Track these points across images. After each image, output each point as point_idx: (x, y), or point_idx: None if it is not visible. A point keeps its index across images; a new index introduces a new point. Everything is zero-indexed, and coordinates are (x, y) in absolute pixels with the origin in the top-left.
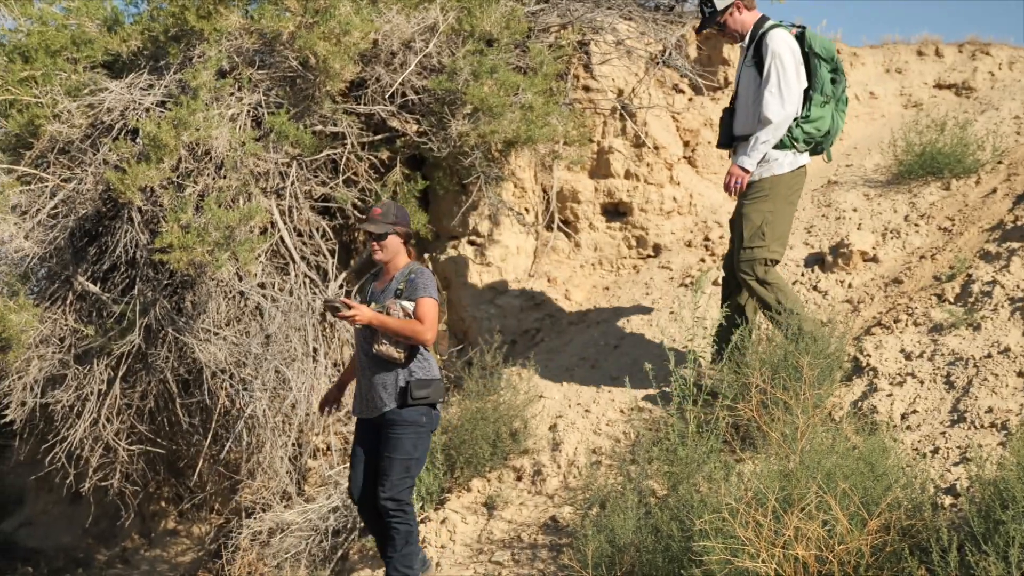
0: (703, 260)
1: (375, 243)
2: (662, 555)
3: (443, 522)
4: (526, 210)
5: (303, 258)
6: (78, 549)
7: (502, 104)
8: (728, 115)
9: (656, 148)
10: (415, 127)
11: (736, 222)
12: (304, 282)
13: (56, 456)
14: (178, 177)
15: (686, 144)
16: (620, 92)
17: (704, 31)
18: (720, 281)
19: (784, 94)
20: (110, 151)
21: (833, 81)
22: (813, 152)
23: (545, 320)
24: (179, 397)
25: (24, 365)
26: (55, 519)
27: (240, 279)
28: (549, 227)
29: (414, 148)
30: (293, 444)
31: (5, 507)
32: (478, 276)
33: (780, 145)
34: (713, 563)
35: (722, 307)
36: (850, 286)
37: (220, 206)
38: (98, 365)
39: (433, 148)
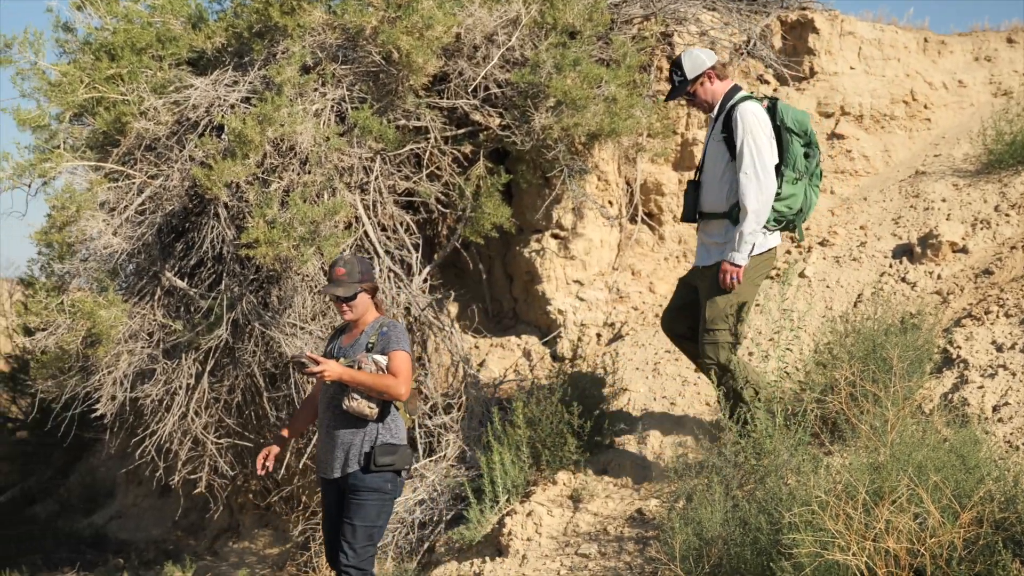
0: (789, 252)
1: (344, 305)
2: (750, 548)
3: (529, 515)
4: (610, 203)
5: (387, 252)
6: (167, 541)
7: (585, 97)
8: (693, 188)
9: None
10: (498, 121)
11: (701, 301)
12: (388, 276)
13: (146, 450)
14: (263, 173)
15: None
16: None
17: (672, 100)
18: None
19: (760, 176)
20: (196, 147)
21: (807, 156)
22: (784, 229)
23: (630, 313)
24: (266, 391)
25: (114, 360)
26: (145, 512)
27: (325, 274)
28: (633, 220)
29: (497, 142)
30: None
31: (96, 500)
32: (562, 270)
33: None
34: (803, 556)
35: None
36: (939, 277)
37: (305, 201)
38: (186, 359)
39: (516, 141)
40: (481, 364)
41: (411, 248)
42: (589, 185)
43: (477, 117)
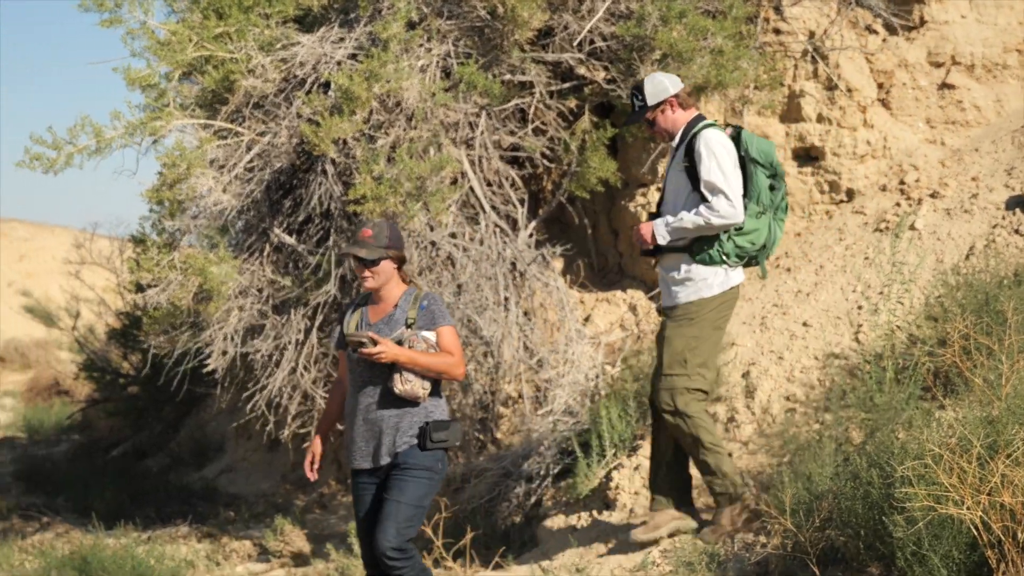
0: (898, 204)
1: (365, 270)
2: (861, 502)
3: (636, 469)
4: None
5: (493, 208)
6: (277, 494)
7: (691, 49)
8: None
9: (849, 90)
10: (603, 74)
11: (659, 344)
12: (495, 232)
13: (256, 404)
14: (370, 129)
15: (880, 86)
16: (811, 34)
17: (631, 125)
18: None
19: (731, 198)
20: (303, 104)
21: (772, 188)
22: (747, 265)
23: None
24: None
25: (224, 316)
26: (254, 466)
27: (432, 229)
28: None
29: (602, 95)
30: (485, 391)
31: (206, 454)
32: None
33: (709, 261)
34: (916, 510)
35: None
36: None
37: (411, 157)
38: (295, 315)
39: (622, 95)
40: (587, 319)
41: (516, 203)
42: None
43: (582, 71)
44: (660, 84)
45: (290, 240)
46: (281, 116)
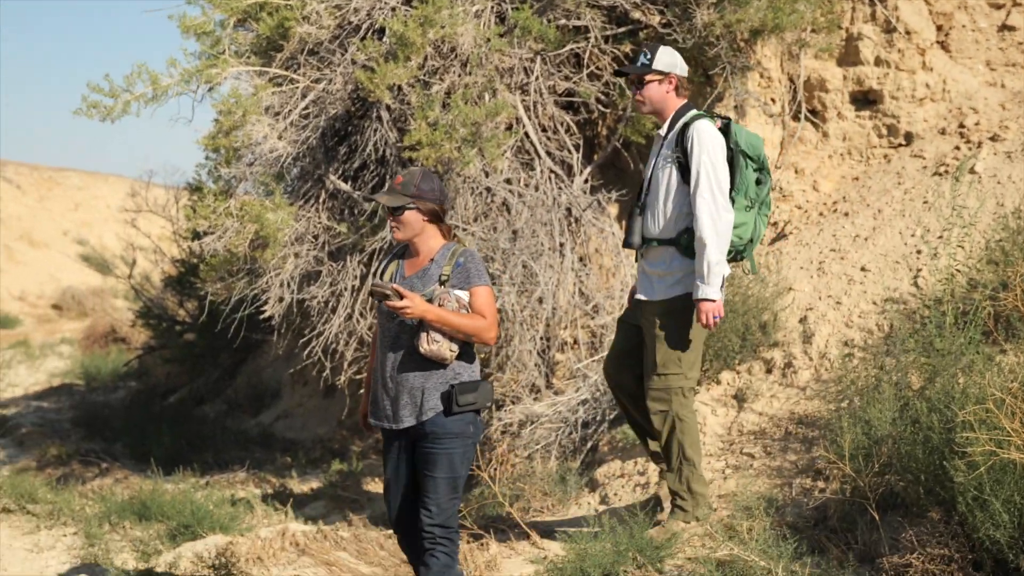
0: (958, 148)
1: (392, 219)
2: (922, 447)
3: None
4: (772, 100)
5: (548, 153)
6: (333, 440)
7: None
8: (638, 212)
9: (907, 33)
10: (659, 18)
11: (620, 329)
12: (549, 177)
13: (312, 350)
14: (425, 75)
15: (939, 28)
16: None
17: (622, 76)
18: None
19: (719, 199)
20: (358, 51)
21: (758, 182)
22: (733, 260)
23: (793, 211)
24: None
25: (281, 262)
26: (311, 411)
27: (487, 175)
28: (796, 117)
29: (658, 40)
30: (541, 338)
31: (263, 400)
32: None
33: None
34: (977, 455)
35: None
36: None
37: (466, 103)
38: (351, 261)
39: (678, 39)
40: None
41: (571, 149)
42: (751, 82)
43: (637, 15)
44: (675, 58)
45: (345, 187)
46: (336, 63)
